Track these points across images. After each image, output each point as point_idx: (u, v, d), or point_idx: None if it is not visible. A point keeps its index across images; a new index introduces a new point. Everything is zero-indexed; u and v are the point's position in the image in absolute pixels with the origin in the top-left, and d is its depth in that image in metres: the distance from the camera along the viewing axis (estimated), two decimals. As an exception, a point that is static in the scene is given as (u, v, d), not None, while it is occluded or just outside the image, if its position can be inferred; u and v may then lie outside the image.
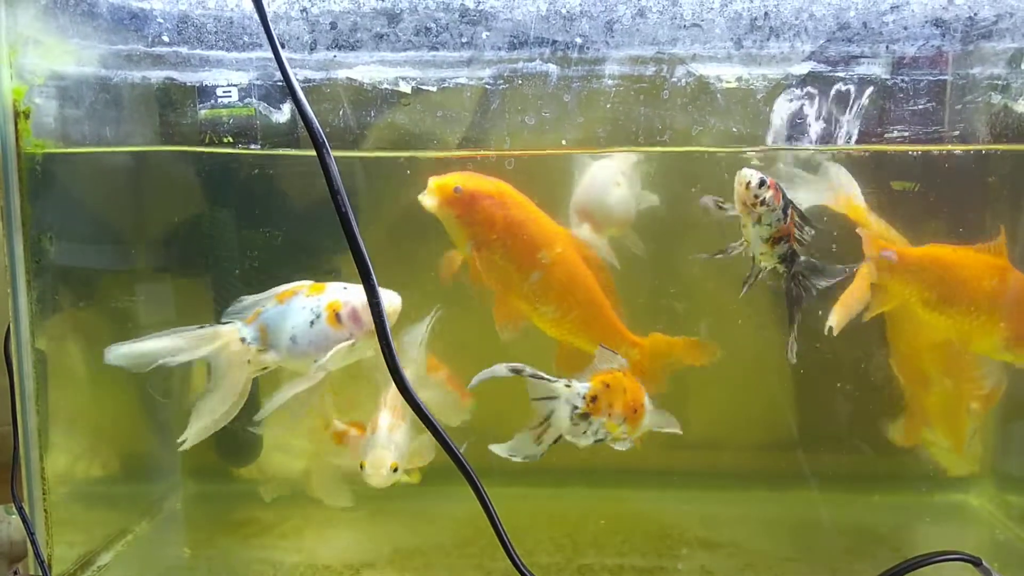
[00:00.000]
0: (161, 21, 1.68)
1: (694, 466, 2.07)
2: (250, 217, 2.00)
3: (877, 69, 1.67)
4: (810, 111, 1.69)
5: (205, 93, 1.73)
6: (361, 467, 1.63)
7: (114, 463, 2.03)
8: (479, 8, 1.61)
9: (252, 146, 1.77)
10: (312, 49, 1.65)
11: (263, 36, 1.19)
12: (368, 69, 1.69)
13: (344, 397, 1.82)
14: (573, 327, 1.75)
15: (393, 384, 1.66)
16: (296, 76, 1.18)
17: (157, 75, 1.72)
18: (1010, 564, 1.77)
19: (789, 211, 1.53)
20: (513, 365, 1.39)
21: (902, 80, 1.67)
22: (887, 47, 1.64)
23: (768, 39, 1.63)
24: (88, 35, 1.70)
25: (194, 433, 1.50)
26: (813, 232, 1.58)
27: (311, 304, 1.51)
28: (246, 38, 1.66)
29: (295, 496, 2.03)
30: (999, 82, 1.69)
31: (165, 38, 1.68)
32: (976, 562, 1.39)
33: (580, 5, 1.61)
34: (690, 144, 1.74)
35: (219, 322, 1.53)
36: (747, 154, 1.74)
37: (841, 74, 1.67)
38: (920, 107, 1.68)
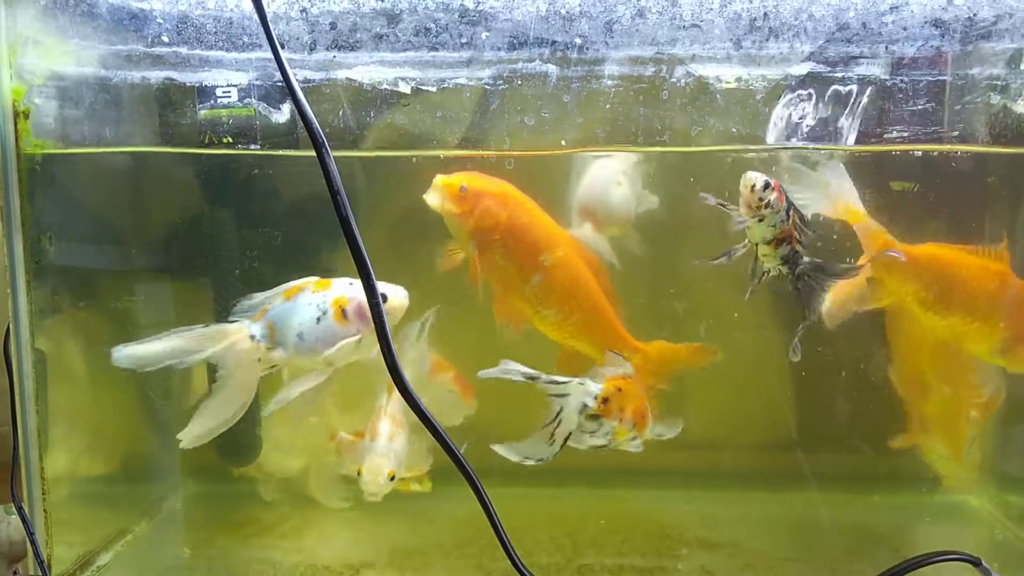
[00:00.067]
0: (161, 21, 1.68)
1: (694, 466, 2.07)
2: (250, 217, 2.00)
3: (876, 70, 1.67)
4: (809, 112, 1.69)
5: (205, 93, 1.74)
6: (359, 474, 1.62)
7: (114, 463, 2.03)
8: (479, 8, 1.61)
9: (252, 146, 1.77)
10: (312, 49, 1.65)
11: (263, 36, 1.19)
12: (368, 69, 1.69)
13: (344, 398, 1.83)
14: (574, 331, 1.74)
15: (393, 393, 1.69)
16: (296, 76, 1.18)
17: (157, 75, 1.72)
18: (1010, 564, 1.77)
19: (791, 213, 1.53)
20: (529, 372, 1.39)
21: (901, 80, 1.67)
22: (886, 48, 1.64)
23: (767, 40, 1.63)
24: (88, 35, 1.70)
25: (200, 433, 1.49)
26: (813, 234, 1.58)
27: (317, 300, 1.51)
28: (246, 38, 1.67)
29: (295, 496, 2.04)
30: (998, 82, 1.70)
31: (165, 38, 1.68)
32: (976, 562, 1.39)
33: (579, 6, 1.61)
34: (689, 144, 1.74)
35: (221, 321, 1.53)
36: (747, 154, 1.74)
37: (840, 75, 1.67)
38: (919, 107, 1.68)
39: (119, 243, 1.99)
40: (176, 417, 2.10)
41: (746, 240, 1.56)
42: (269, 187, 1.98)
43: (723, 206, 1.54)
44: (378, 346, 1.21)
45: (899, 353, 1.95)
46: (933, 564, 1.38)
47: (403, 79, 1.69)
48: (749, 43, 1.62)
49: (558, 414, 1.42)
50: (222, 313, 1.56)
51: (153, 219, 2.04)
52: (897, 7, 1.60)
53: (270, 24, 1.18)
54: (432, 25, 1.62)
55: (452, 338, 1.84)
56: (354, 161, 1.88)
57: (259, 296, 1.55)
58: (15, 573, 1.85)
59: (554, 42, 1.63)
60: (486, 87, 1.69)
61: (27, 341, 1.59)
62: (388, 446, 1.64)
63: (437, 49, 1.64)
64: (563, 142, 1.72)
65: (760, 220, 1.51)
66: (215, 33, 1.67)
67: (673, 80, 1.67)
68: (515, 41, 1.63)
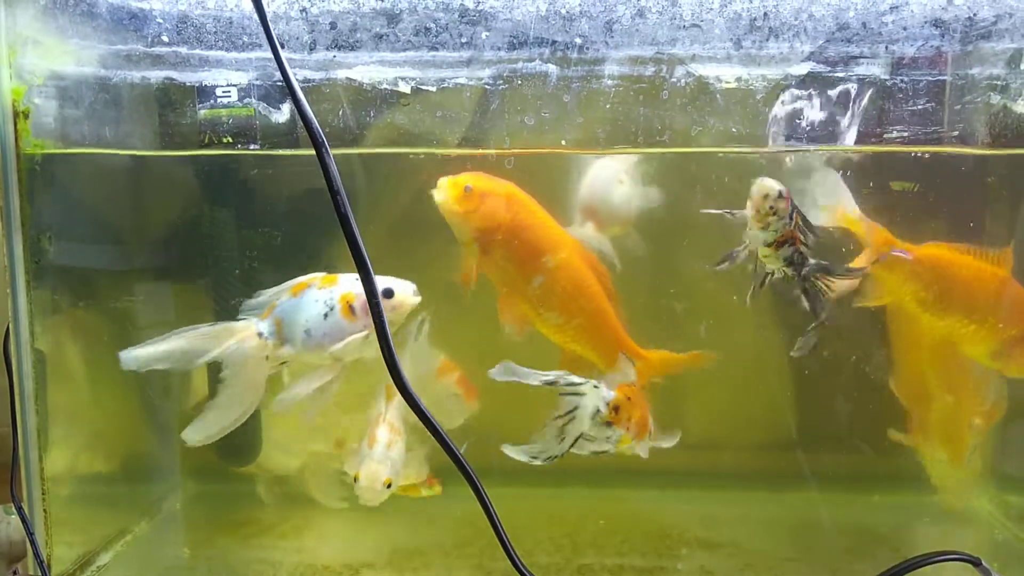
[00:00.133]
0: (160, 21, 1.68)
1: (694, 466, 2.07)
2: (249, 217, 2.00)
3: (876, 69, 1.67)
4: (809, 111, 1.69)
5: (204, 93, 1.73)
6: (355, 480, 1.62)
7: (113, 463, 2.03)
8: (479, 8, 1.61)
9: (251, 146, 1.77)
10: (312, 49, 1.65)
11: (262, 36, 1.19)
12: (368, 69, 1.69)
13: (348, 397, 1.82)
14: (576, 334, 1.74)
15: (392, 400, 1.69)
16: (295, 76, 1.18)
17: (156, 75, 1.72)
18: (1010, 564, 1.77)
19: (794, 215, 1.53)
20: (547, 377, 1.39)
21: (901, 80, 1.67)
22: (886, 47, 1.64)
23: (767, 39, 1.63)
24: (87, 35, 1.70)
25: (207, 432, 1.48)
26: (816, 236, 1.58)
27: (324, 296, 1.51)
28: (245, 38, 1.66)
29: (295, 496, 2.04)
30: (998, 82, 1.69)
31: (164, 38, 1.68)
32: (976, 562, 1.39)
33: (580, 5, 1.61)
34: (689, 144, 1.74)
35: (221, 321, 1.52)
36: (746, 155, 1.74)
37: (840, 74, 1.67)
38: (919, 107, 1.68)
39: (119, 243, 1.99)
40: (176, 417, 2.11)
41: (745, 242, 1.56)
42: (269, 187, 1.98)
43: (731, 214, 1.54)
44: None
45: (901, 361, 1.95)
46: (933, 564, 1.38)
47: (403, 79, 1.69)
48: (749, 43, 1.62)
49: (572, 411, 1.42)
50: (222, 313, 1.56)
51: (153, 219, 2.04)
52: (897, 7, 1.60)
53: (270, 24, 1.19)
54: (432, 25, 1.62)
55: (453, 338, 1.84)
56: (354, 159, 1.88)
57: (266, 293, 1.54)
58: (15, 573, 1.85)
59: (554, 42, 1.63)
60: (486, 87, 1.69)
61: (27, 341, 1.59)
62: (385, 453, 1.63)
63: (437, 49, 1.64)
64: (563, 142, 1.72)
65: (766, 227, 1.51)
66: (215, 33, 1.67)
67: (673, 80, 1.67)
68: (515, 41, 1.63)
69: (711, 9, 1.60)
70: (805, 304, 1.59)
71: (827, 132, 1.70)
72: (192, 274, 2.05)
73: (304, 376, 1.55)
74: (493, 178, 1.66)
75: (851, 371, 1.98)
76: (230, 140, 1.75)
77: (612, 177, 1.92)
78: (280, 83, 1.70)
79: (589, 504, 2.08)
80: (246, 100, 1.74)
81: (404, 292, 1.53)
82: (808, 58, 1.65)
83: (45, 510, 1.63)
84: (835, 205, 1.69)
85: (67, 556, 1.72)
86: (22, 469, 1.61)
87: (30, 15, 1.58)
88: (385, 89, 1.70)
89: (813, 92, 1.68)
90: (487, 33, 1.63)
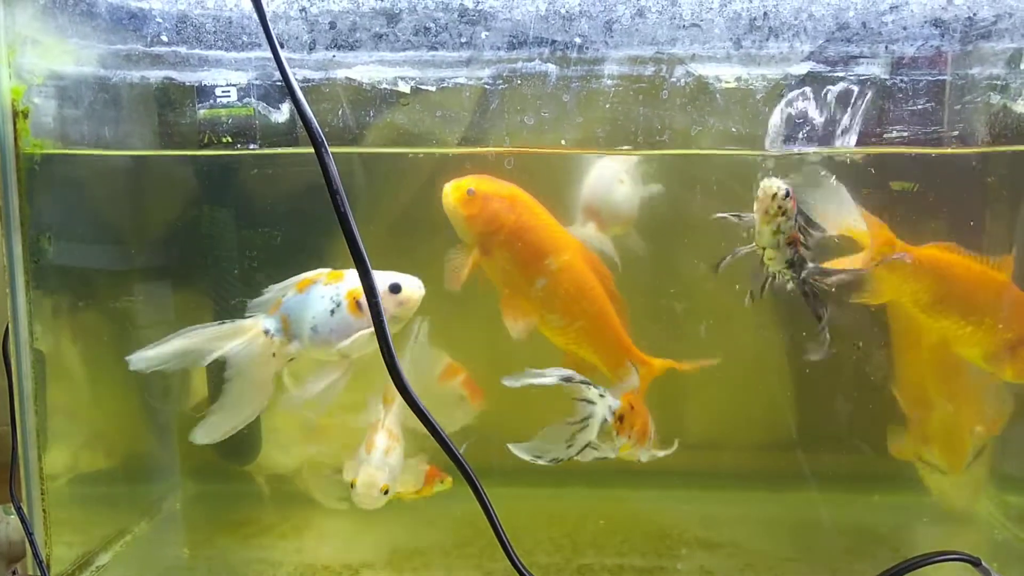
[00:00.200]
0: (160, 21, 1.67)
1: (694, 466, 2.07)
2: (249, 217, 2.00)
3: (876, 69, 1.67)
4: (809, 112, 1.69)
5: (204, 93, 1.73)
6: (352, 485, 1.61)
7: (113, 463, 2.03)
8: (478, 8, 1.61)
9: (251, 146, 1.77)
10: (311, 49, 1.65)
11: (262, 36, 1.19)
12: (367, 69, 1.69)
13: (351, 397, 1.82)
14: (578, 337, 1.74)
15: (390, 406, 1.69)
16: (295, 76, 1.18)
17: (156, 75, 1.72)
18: (1009, 564, 1.77)
19: (797, 217, 1.53)
20: (564, 373, 1.39)
21: (901, 80, 1.67)
22: (886, 47, 1.64)
23: (767, 39, 1.62)
24: (87, 35, 1.70)
25: (218, 432, 1.48)
26: (822, 232, 1.57)
27: (331, 292, 1.50)
28: (245, 38, 1.66)
29: (295, 496, 2.03)
30: (998, 82, 1.69)
31: (164, 38, 1.68)
32: (975, 562, 1.39)
33: (579, 5, 1.61)
34: (689, 144, 1.73)
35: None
36: (746, 156, 1.74)
37: (840, 74, 1.67)
38: (919, 107, 1.68)
39: (118, 243, 1.98)
40: (176, 417, 2.11)
41: (754, 243, 1.56)
42: (268, 187, 1.98)
43: (738, 217, 1.54)
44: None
45: (902, 361, 1.95)
46: (933, 564, 1.37)
47: (402, 78, 1.69)
48: (749, 43, 1.62)
49: (585, 419, 1.43)
50: (221, 313, 1.56)
51: (152, 219, 2.03)
52: (897, 7, 1.60)
53: (269, 23, 1.18)
54: (431, 24, 1.62)
55: (455, 338, 1.84)
56: (354, 159, 1.88)
57: (271, 289, 1.54)
58: (14, 573, 1.84)
59: (554, 41, 1.63)
60: (486, 86, 1.69)
61: (26, 341, 1.59)
62: (383, 459, 1.63)
63: (437, 48, 1.64)
64: (563, 141, 1.72)
65: (777, 228, 1.51)
66: (214, 32, 1.66)
67: (673, 80, 1.66)
68: (515, 40, 1.63)
69: (711, 9, 1.60)
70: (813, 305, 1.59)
71: (827, 132, 1.70)
72: (191, 274, 2.05)
73: (313, 374, 1.54)
74: (497, 181, 1.66)
75: (851, 371, 1.98)
76: (229, 140, 1.75)
77: (614, 177, 1.92)
78: (280, 83, 1.70)
79: (589, 504, 2.08)
80: (245, 100, 1.74)
81: (411, 287, 1.52)
82: (808, 58, 1.65)
83: (44, 510, 1.63)
84: (840, 219, 1.69)
85: (66, 556, 1.72)
86: (21, 469, 1.61)
87: (29, 14, 1.58)
88: (385, 89, 1.70)
89: (813, 93, 1.68)
90: (487, 33, 1.63)
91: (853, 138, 1.70)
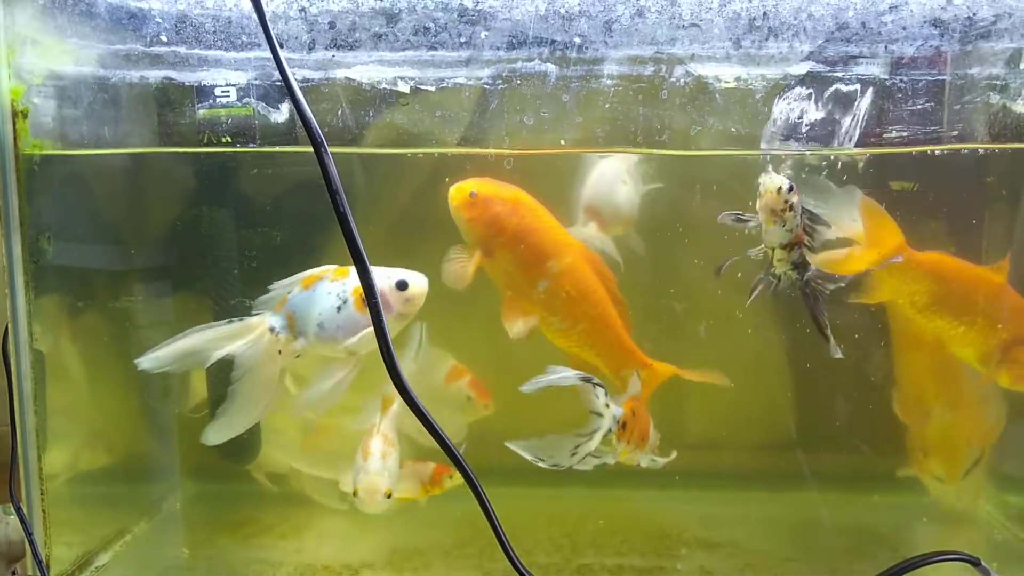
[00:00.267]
0: (159, 21, 1.67)
1: (694, 466, 2.07)
2: (249, 217, 2.00)
3: (876, 69, 1.67)
4: (808, 112, 1.69)
5: (203, 93, 1.73)
6: (354, 494, 1.61)
7: (113, 463, 2.03)
8: (478, 8, 1.61)
9: (250, 146, 1.77)
10: (310, 49, 1.65)
11: (261, 36, 1.19)
12: (367, 69, 1.69)
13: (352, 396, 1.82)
14: (580, 339, 1.74)
15: (386, 411, 1.69)
16: (294, 76, 1.18)
17: (155, 75, 1.72)
18: (1009, 564, 1.77)
19: (801, 216, 1.53)
20: (582, 374, 1.39)
21: (901, 80, 1.67)
22: (886, 47, 1.64)
23: (767, 39, 1.62)
24: (86, 35, 1.70)
25: (229, 431, 1.48)
26: (828, 227, 1.57)
27: (337, 289, 1.50)
28: (244, 38, 1.66)
29: (295, 496, 2.04)
30: (998, 82, 1.69)
31: (163, 38, 1.68)
32: (975, 562, 1.39)
33: (579, 5, 1.61)
34: (688, 144, 1.73)
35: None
36: (746, 156, 1.74)
37: (840, 74, 1.67)
38: (919, 107, 1.68)
39: (118, 243, 1.98)
40: (175, 417, 2.11)
41: (762, 245, 1.55)
42: (268, 186, 1.98)
43: (741, 219, 1.53)
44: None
45: (902, 361, 1.95)
46: (933, 564, 1.37)
47: (402, 78, 1.69)
48: (748, 43, 1.62)
49: (593, 432, 1.43)
50: (221, 313, 1.56)
51: (152, 219, 2.03)
52: (896, 7, 1.60)
53: (269, 23, 1.18)
54: (431, 24, 1.62)
55: (457, 339, 1.84)
56: (353, 159, 1.88)
57: (276, 286, 1.53)
58: (13, 573, 1.84)
59: (553, 41, 1.63)
60: (485, 86, 1.69)
61: (25, 341, 1.59)
62: (382, 465, 1.63)
63: (436, 48, 1.64)
64: (562, 141, 1.72)
65: (784, 225, 1.49)
66: (214, 32, 1.66)
67: (672, 80, 1.66)
68: (514, 40, 1.63)
69: (710, 9, 1.60)
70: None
71: (826, 132, 1.70)
72: (191, 274, 2.05)
73: (319, 373, 1.54)
74: (500, 184, 1.67)
75: (851, 371, 1.98)
76: (229, 140, 1.75)
77: (615, 177, 1.92)
78: (279, 83, 1.70)
79: (589, 504, 2.08)
80: (245, 100, 1.74)
81: (418, 284, 1.52)
82: (807, 58, 1.65)
83: (44, 510, 1.63)
84: (852, 225, 1.69)
85: (66, 556, 1.72)
86: (21, 469, 1.61)
87: (29, 14, 1.58)
88: (384, 89, 1.70)
89: (813, 94, 1.68)
90: (486, 33, 1.63)
91: (853, 138, 1.70)
